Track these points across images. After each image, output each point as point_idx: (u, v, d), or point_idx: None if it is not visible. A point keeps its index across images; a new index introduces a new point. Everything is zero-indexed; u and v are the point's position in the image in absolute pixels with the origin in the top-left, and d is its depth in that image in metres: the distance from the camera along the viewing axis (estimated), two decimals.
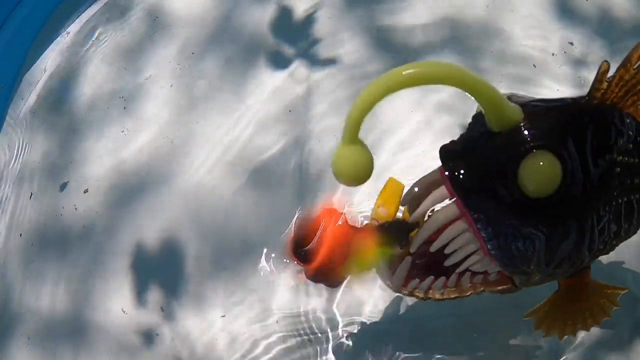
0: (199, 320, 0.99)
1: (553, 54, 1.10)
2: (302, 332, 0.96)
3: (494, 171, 0.46)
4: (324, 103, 1.10)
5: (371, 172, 0.48)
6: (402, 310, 0.95)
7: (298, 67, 1.14)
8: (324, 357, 0.94)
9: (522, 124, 0.45)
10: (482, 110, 0.46)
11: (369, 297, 0.96)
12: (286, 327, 0.97)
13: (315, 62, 1.14)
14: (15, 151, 1.19)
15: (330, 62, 1.14)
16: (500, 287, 0.60)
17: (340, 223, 0.55)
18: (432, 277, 0.59)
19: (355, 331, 0.95)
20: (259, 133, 1.10)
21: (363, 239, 0.56)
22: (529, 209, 0.46)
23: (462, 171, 0.47)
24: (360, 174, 0.47)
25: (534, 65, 1.09)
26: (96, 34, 1.26)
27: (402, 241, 0.56)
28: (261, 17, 1.19)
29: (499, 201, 0.46)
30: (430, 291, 0.60)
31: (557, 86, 1.07)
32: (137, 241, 1.06)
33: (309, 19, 1.18)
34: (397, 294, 0.68)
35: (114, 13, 1.26)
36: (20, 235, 1.12)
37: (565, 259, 0.50)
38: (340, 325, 0.96)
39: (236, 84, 1.14)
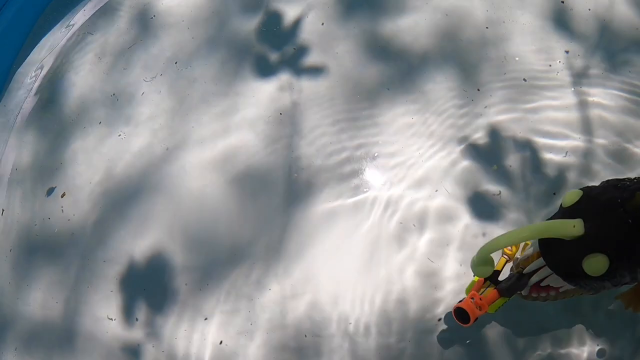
0: (187, 329, 0.98)
1: (550, 65, 1.08)
2: (289, 342, 0.95)
3: (569, 265, 0.79)
4: (315, 108, 1.08)
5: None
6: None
7: (291, 73, 1.12)
8: None
9: (583, 236, 0.76)
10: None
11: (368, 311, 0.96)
12: (275, 337, 0.96)
13: (308, 67, 1.12)
14: (3, 155, 1.17)
15: (323, 68, 1.12)
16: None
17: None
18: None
19: (347, 343, 0.95)
20: (250, 137, 1.08)
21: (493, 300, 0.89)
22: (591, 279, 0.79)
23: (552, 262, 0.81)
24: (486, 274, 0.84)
25: (524, 80, 1.07)
26: (89, 34, 1.23)
27: (514, 293, 0.88)
28: (254, 22, 1.17)
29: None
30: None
31: (555, 94, 1.06)
32: (126, 248, 1.04)
33: (301, 25, 1.16)
34: None
35: (107, 13, 1.24)
36: (9, 240, 1.10)
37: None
38: (334, 329, 0.95)
39: (229, 87, 1.12)
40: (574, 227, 0.75)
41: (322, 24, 1.15)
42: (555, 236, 0.77)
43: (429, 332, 0.93)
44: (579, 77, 1.07)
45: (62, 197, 1.09)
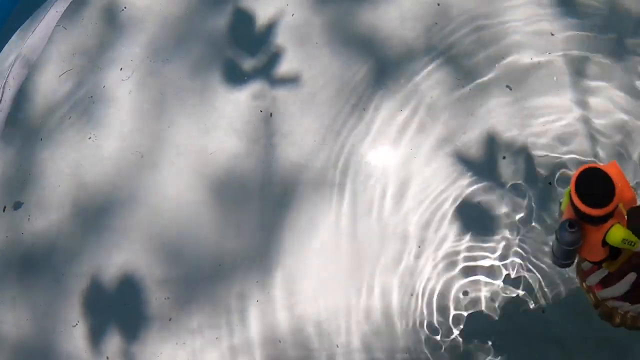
0: (171, 347, 0.91)
1: (549, 53, 0.98)
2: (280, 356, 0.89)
3: None
4: (296, 105, 1.01)
5: None
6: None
7: (270, 69, 1.04)
8: None
9: None
10: None
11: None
12: (265, 352, 0.89)
13: (287, 65, 1.04)
14: None
15: (302, 65, 1.04)
16: None
17: None
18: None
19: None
20: (228, 138, 1.01)
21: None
22: None
23: None
24: None
25: (531, 59, 0.99)
26: (56, 35, 1.16)
27: None
28: (229, 17, 1.09)
29: None
30: (629, 315, 0.67)
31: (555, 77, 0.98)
32: (101, 262, 0.98)
33: (278, 23, 1.07)
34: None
35: (75, 13, 1.15)
36: None
37: None
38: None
39: (205, 84, 1.05)
40: None
41: (293, 14, 1.07)
42: None
43: (419, 347, 0.87)
44: (581, 61, 0.98)
45: (18, 209, 1.03)
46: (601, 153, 0.93)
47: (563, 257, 0.60)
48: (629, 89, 0.95)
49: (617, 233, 0.55)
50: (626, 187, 0.55)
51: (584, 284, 0.70)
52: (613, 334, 0.80)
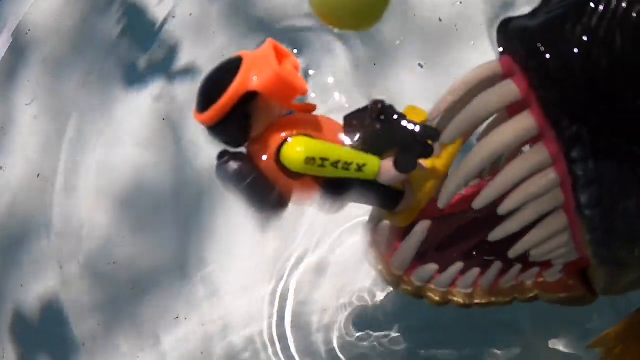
0: None
1: (460, 2, 0.90)
2: None
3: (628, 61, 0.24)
4: None
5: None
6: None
7: (166, 72, 0.98)
8: None
9: None
10: None
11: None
12: None
13: (185, 65, 0.98)
14: None
15: (199, 63, 0.97)
16: (564, 294, 0.40)
17: None
18: (460, 265, 0.38)
19: None
20: (134, 149, 0.96)
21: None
22: None
23: (556, 59, 0.25)
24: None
25: (440, 19, 0.90)
26: None
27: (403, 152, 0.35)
28: (122, 18, 1.03)
29: (621, 122, 0.25)
30: (453, 290, 0.40)
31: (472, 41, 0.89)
32: (24, 296, 0.94)
33: (172, 17, 1.01)
34: (392, 289, 0.45)
35: None
36: None
37: None
38: None
39: (106, 98, 1.00)
40: None
41: (190, 14, 1.00)
42: None
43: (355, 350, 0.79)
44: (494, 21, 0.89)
45: None
46: None
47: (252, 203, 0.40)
48: None
49: (292, 150, 0.33)
50: (265, 74, 0.32)
51: (371, 255, 0.44)
52: (573, 316, 0.69)
